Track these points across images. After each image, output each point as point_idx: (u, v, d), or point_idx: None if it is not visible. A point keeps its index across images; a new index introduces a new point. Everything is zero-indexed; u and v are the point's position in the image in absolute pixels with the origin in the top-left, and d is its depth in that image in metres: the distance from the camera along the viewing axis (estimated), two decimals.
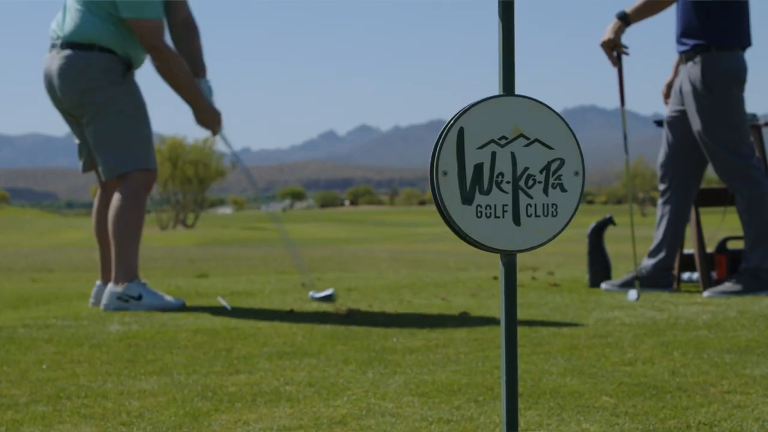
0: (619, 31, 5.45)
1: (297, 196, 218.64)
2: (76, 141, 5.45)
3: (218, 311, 4.96)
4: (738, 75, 5.42)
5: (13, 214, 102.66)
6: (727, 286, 5.37)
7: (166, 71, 5.27)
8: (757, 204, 5.41)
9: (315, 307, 5.11)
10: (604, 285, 5.87)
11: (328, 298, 5.35)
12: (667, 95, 5.90)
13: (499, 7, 1.75)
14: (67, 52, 5.15)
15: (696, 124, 5.47)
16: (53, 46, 5.21)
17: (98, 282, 5.38)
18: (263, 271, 13.60)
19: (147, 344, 3.81)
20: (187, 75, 5.31)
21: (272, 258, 18.72)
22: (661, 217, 5.77)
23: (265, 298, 5.68)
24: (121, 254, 5.09)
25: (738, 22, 5.44)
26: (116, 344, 3.82)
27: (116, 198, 5.15)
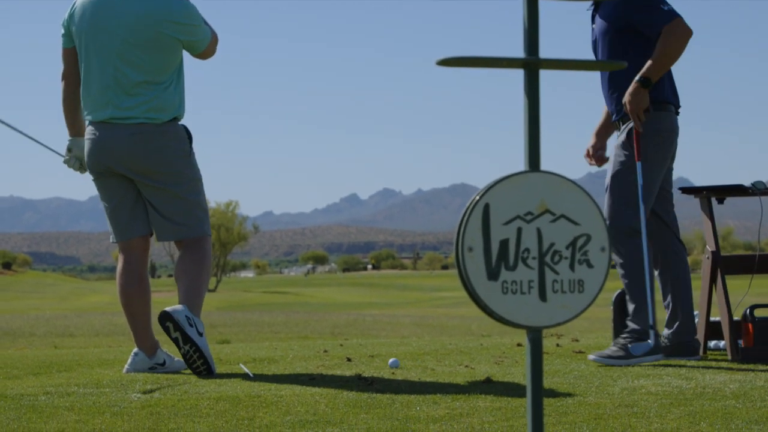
0: (647, 97, 5.46)
1: (319, 260, 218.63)
2: (107, 204, 5.42)
3: (240, 378, 4.94)
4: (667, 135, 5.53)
5: (35, 278, 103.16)
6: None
7: None
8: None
9: (338, 373, 5.08)
10: None
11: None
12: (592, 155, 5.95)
13: (524, 80, 1.75)
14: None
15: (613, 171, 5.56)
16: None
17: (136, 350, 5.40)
18: (285, 337, 13.57)
19: (169, 412, 3.79)
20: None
21: (294, 323, 18.69)
22: (662, 285, 5.78)
23: (287, 364, 5.65)
24: (200, 308, 5.22)
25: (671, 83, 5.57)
26: (138, 412, 3.80)
27: (198, 258, 5.31)
